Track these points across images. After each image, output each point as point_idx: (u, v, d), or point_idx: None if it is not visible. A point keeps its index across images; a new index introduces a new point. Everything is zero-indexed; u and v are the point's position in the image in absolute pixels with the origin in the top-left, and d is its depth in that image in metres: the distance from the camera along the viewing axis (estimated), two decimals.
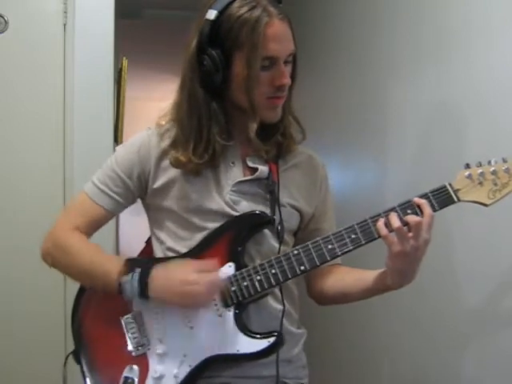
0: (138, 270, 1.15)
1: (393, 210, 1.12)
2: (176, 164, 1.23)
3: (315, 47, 2.66)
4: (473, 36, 1.50)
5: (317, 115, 2.63)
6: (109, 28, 2.22)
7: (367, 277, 1.22)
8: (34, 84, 2.19)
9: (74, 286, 1.30)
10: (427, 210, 1.10)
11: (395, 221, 1.10)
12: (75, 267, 1.25)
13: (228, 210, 1.22)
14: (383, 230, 1.10)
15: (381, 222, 1.11)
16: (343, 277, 1.29)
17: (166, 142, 1.25)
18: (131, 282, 1.15)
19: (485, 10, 1.45)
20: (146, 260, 1.26)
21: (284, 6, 1.18)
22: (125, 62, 2.73)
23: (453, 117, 1.60)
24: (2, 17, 2.15)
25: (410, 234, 1.08)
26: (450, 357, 1.60)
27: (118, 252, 2.85)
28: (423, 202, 1.10)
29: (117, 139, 2.54)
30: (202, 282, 1.12)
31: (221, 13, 1.14)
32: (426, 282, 1.66)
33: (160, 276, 1.15)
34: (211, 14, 1.15)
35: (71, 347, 1.27)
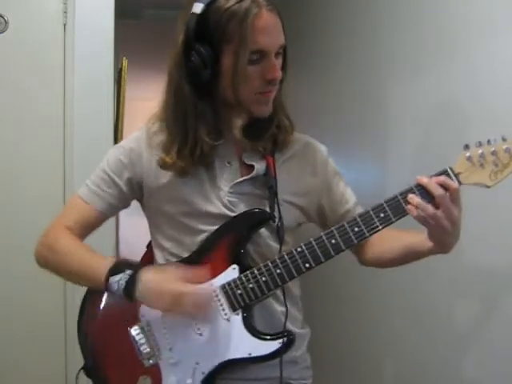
0: (129, 271, 1.12)
1: (410, 190, 1.09)
2: (163, 165, 1.21)
3: (316, 47, 2.66)
4: (473, 36, 1.50)
5: (317, 115, 2.63)
6: (109, 28, 2.22)
7: (415, 244, 1.18)
8: (34, 84, 2.18)
9: (73, 285, 1.29)
10: (451, 184, 1.07)
11: (435, 187, 1.07)
12: (65, 266, 1.22)
13: (227, 212, 1.20)
14: (414, 211, 1.07)
15: (411, 204, 1.07)
16: (391, 245, 1.25)
17: (156, 144, 1.23)
18: (119, 281, 1.12)
19: (485, 9, 1.45)
20: (136, 262, 1.24)
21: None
22: (125, 62, 2.73)
23: (453, 116, 1.60)
24: (2, 17, 2.15)
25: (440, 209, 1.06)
26: (451, 355, 1.60)
27: (117, 252, 2.85)
28: (442, 179, 1.08)
29: (117, 139, 2.54)
30: (193, 294, 1.10)
31: (207, 6, 1.10)
32: (427, 280, 1.66)
33: (150, 280, 1.12)
34: (197, 8, 1.11)
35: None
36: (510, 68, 1.36)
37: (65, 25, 2.20)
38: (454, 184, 1.07)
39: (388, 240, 1.26)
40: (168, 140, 1.21)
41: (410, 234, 1.21)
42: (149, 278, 1.12)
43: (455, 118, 1.59)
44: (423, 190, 1.08)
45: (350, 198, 1.32)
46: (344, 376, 2.37)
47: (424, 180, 1.08)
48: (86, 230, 1.26)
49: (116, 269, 1.14)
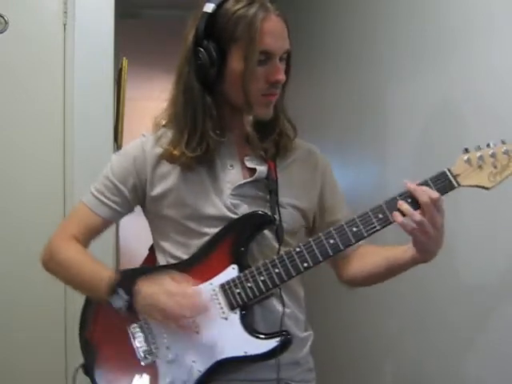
0: (122, 291, 1.16)
1: (394, 199, 1.12)
2: (170, 159, 1.22)
3: (315, 47, 2.66)
4: (473, 36, 1.50)
5: (317, 115, 2.63)
6: (109, 28, 2.22)
7: (397, 255, 1.20)
8: (34, 84, 2.18)
9: None
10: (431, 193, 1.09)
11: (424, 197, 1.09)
12: (70, 280, 1.28)
13: (229, 214, 1.22)
14: (399, 218, 1.09)
15: (397, 213, 1.10)
16: (372, 259, 1.27)
17: (162, 146, 1.24)
18: (117, 300, 1.16)
19: (485, 9, 1.45)
20: (131, 272, 1.26)
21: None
22: (125, 62, 2.72)
23: (453, 117, 1.60)
24: (2, 17, 2.15)
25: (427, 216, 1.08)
26: (452, 358, 1.60)
27: (117, 251, 2.85)
28: (424, 188, 1.09)
29: (117, 139, 2.54)
30: (185, 304, 1.12)
31: (218, 6, 1.14)
32: (429, 282, 1.66)
33: (144, 293, 1.15)
34: (208, 7, 1.15)
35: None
36: (509, 69, 1.36)
37: (65, 25, 2.20)
38: (434, 194, 1.08)
39: (369, 254, 1.28)
40: (176, 135, 1.22)
41: (389, 247, 1.24)
42: (146, 294, 1.15)
43: (455, 117, 1.59)
44: (408, 199, 1.10)
45: (341, 210, 1.33)
46: (344, 378, 2.36)
47: (412, 186, 1.10)
48: (90, 236, 1.29)
49: (114, 289, 1.17)
